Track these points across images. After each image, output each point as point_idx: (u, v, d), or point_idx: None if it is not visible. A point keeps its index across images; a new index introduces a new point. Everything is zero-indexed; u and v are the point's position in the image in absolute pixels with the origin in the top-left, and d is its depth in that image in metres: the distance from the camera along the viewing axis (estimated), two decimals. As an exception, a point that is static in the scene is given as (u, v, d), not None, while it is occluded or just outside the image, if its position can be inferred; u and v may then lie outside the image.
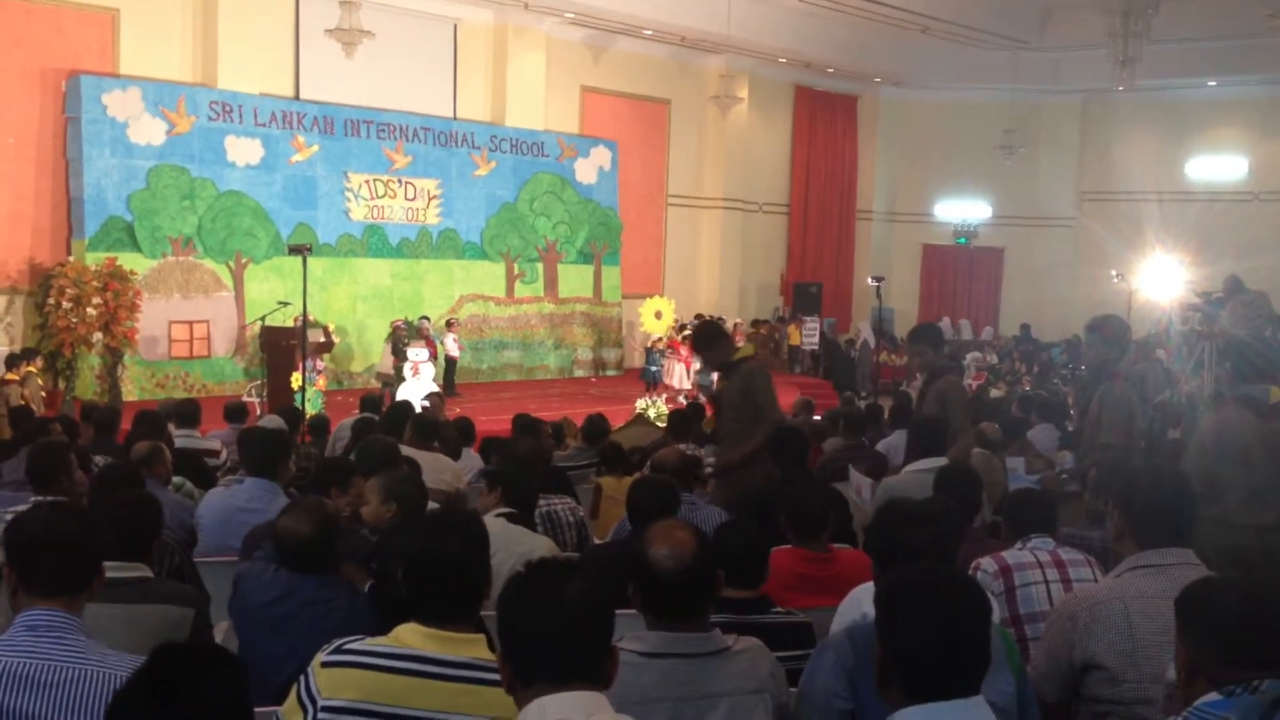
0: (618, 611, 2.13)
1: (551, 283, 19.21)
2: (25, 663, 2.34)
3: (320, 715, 2.35)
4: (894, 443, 7.55)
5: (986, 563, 3.65)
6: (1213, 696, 2.16)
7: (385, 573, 3.60)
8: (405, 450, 5.62)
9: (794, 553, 4.01)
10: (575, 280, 19.52)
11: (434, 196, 17.60)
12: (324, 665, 2.41)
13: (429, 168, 17.48)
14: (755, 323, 21.24)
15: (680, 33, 19.84)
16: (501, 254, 18.45)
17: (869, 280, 15.73)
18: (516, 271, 18.72)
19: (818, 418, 10.54)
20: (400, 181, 17.18)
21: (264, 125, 15.62)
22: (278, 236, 15.66)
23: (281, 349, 12.98)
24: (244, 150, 15.43)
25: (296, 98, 16.27)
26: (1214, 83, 22.62)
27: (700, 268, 22.19)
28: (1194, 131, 23.39)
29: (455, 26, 18.18)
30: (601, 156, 19.76)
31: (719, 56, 20.69)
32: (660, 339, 17.83)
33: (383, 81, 16.88)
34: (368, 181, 16.81)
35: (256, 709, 2.71)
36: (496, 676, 2.33)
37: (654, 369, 17.28)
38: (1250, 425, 5.03)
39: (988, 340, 24.13)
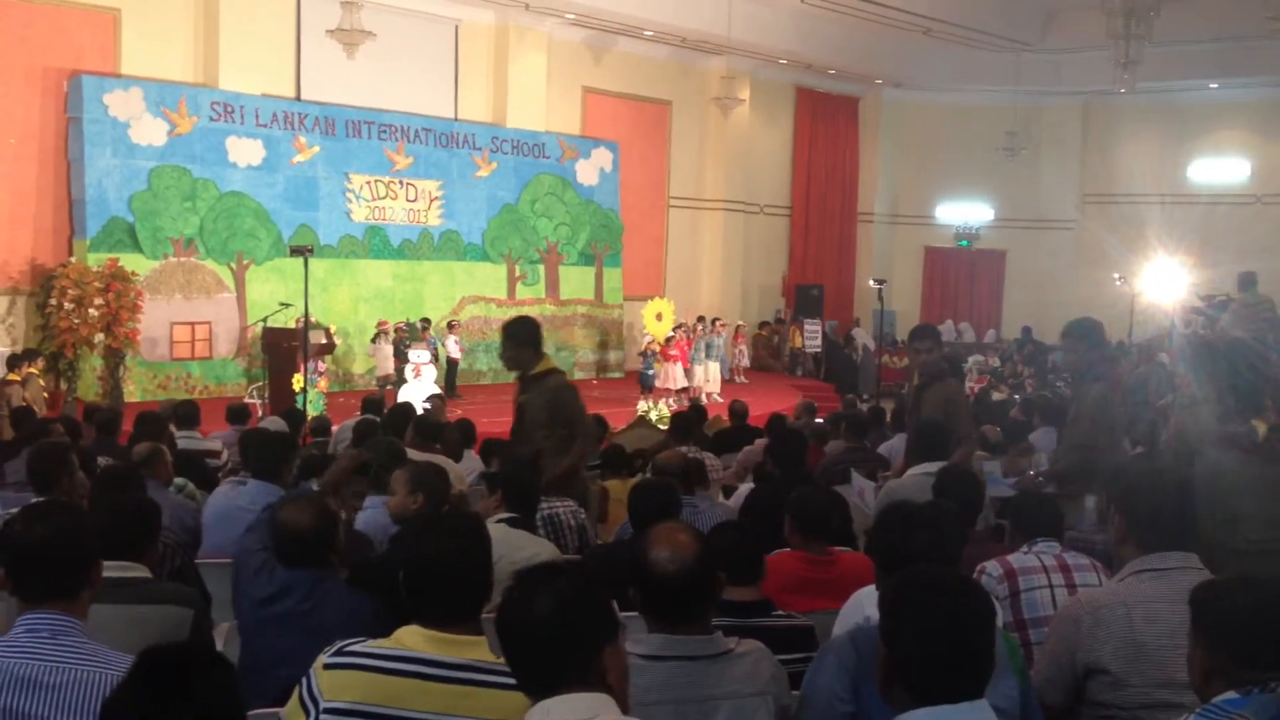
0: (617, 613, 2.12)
1: (553, 284, 19.19)
2: (26, 664, 2.34)
3: (323, 717, 2.36)
4: (895, 446, 7.56)
5: (992, 566, 3.64)
6: (1230, 694, 2.19)
7: (369, 565, 3.61)
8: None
9: (795, 556, 4.00)
10: (576, 282, 19.50)
11: (435, 198, 17.60)
12: (326, 667, 2.42)
13: (430, 169, 17.47)
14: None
15: (681, 34, 19.82)
16: (503, 255, 18.44)
17: (871, 282, 15.72)
18: (518, 273, 18.70)
19: (819, 420, 10.55)
20: (401, 183, 17.17)
21: (265, 126, 15.61)
22: (279, 237, 15.65)
23: (283, 350, 12.96)
24: (245, 151, 15.42)
25: (298, 98, 16.26)
26: (1216, 85, 22.60)
27: (701, 269, 22.15)
28: (1196, 134, 23.36)
29: (456, 27, 18.18)
30: (603, 158, 19.74)
31: (720, 58, 20.67)
32: (652, 341, 17.77)
33: (384, 82, 16.87)
34: (369, 182, 16.81)
35: (258, 709, 2.73)
36: (498, 679, 2.34)
37: (649, 373, 17.26)
38: (1235, 467, 4.66)
39: (990, 343, 24.11)
